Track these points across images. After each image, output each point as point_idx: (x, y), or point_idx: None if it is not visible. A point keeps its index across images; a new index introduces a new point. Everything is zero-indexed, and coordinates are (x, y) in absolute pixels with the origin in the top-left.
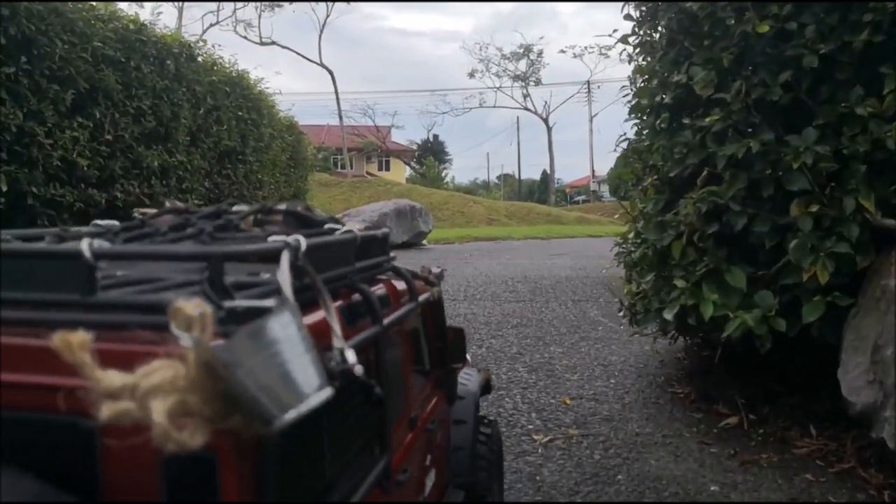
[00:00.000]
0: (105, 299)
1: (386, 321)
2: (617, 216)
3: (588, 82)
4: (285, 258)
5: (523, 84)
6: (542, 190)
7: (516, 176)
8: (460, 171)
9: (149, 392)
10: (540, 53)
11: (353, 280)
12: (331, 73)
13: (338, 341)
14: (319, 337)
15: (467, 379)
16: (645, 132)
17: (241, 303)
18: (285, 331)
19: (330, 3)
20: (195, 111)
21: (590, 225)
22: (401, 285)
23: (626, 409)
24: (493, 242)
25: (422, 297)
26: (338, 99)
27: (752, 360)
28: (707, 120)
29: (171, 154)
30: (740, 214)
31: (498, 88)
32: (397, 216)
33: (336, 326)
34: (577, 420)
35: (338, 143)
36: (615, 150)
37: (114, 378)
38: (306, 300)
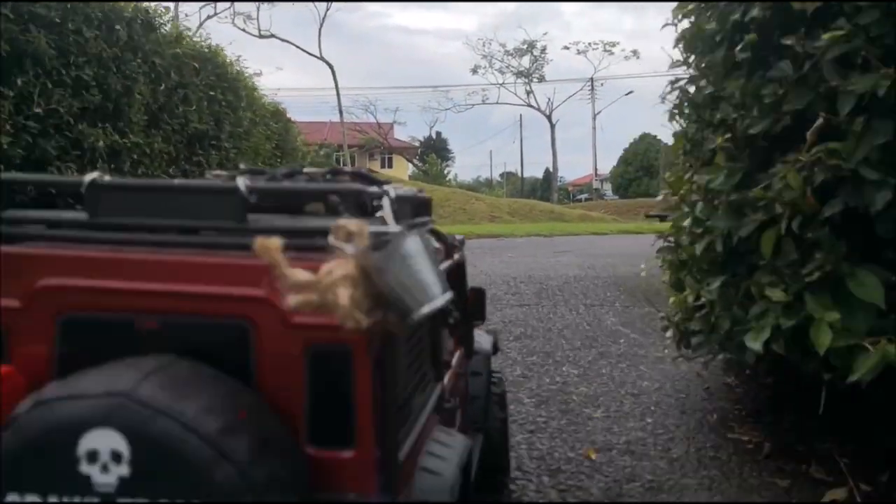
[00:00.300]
0: (258, 224)
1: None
2: (659, 199)
3: (592, 79)
4: (387, 202)
5: (526, 80)
6: (545, 188)
7: (519, 174)
8: (463, 168)
9: (332, 284)
10: (543, 50)
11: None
12: (330, 66)
13: None
14: None
15: (480, 338)
16: (704, 80)
17: (374, 228)
18: (415, 247)
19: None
20: (154, 87)
21: (593, 223)
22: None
23: (677, 470)
24: (496, 240)
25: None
26: (338, 93)
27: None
28: (825, 37)
29: (122, 134)
30: (878, 186)
31: (501, 85)
32: None
33: None
34: (609, 489)
35: (340, 139)
36: (662, 101)
37: (300, 274)
38: None
